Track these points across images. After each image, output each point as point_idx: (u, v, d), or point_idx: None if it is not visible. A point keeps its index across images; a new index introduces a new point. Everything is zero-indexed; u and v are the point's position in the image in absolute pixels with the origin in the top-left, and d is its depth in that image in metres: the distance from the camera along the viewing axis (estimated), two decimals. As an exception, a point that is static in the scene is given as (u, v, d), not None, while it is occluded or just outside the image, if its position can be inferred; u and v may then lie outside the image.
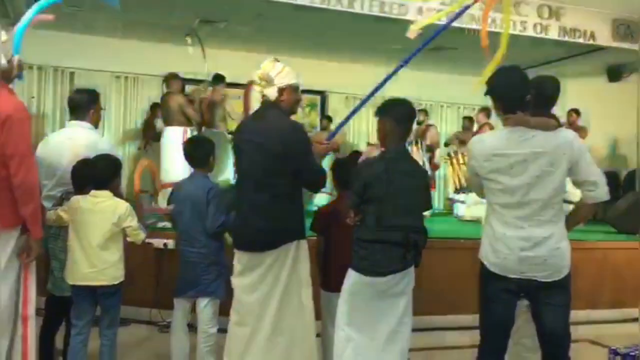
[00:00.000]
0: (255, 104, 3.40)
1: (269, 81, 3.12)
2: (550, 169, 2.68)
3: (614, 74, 9.60)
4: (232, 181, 6.22)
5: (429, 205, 3.29)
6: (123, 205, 3.36)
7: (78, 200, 3.34)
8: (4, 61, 2.93)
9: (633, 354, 4.17)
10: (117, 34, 8.77)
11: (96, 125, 3.89)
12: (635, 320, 4.46)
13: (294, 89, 3.18)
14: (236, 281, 3.20)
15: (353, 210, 3.07)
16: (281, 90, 3.12)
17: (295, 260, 3.11)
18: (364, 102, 3.89)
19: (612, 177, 7.74)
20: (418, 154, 9.33)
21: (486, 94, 2.88)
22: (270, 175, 3.07)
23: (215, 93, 7.63)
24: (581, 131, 8.89)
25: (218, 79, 7.75)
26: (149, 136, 8.76)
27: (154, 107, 8.80)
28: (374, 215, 3.01)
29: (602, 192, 2.76)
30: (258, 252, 3.10)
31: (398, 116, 3.14)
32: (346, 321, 3.07)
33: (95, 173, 3.37)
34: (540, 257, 2.70)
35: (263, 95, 3.17)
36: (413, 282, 3.12)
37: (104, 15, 7.63)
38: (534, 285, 2.74)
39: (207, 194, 3.60)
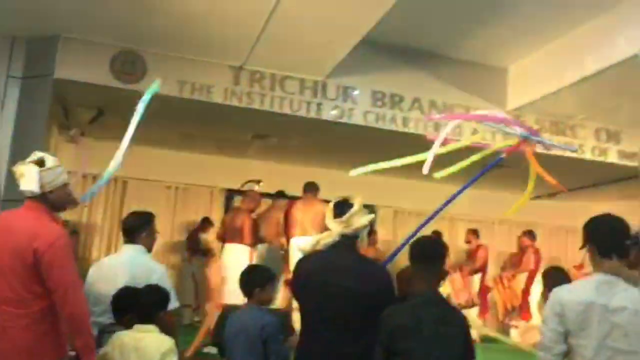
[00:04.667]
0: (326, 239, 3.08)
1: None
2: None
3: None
4: None
5: (471, 357, 2.82)
6: (168, 342, 3.14)
7: (120, 337, 3.14)
8: (36, 189, 2.82)
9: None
10: (171, 145, 8.93)
11: (150, 249, 3.80)
12: None
13: None
14: None
15: None
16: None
17: None
18: (420, 227, 3.91)
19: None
20: (465, 280, 8.96)
21: (584, 241, 2.67)
22: (363, 322, 2.84)
23: (278, 209, 7.40)
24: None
25: (281, 194, 7.61)
26: (193, 249, 8.66)
27: (205, 221, 8.78)
28: None
29: None
30: None
31: (424, 256, 2.87)
32: None
33: (142, 305, 3.22)
34: None
35: (345, 235, 2.98)
36: None
37: (158, 126, 7.79)
38: None
39: (261, 330, 3.39)
